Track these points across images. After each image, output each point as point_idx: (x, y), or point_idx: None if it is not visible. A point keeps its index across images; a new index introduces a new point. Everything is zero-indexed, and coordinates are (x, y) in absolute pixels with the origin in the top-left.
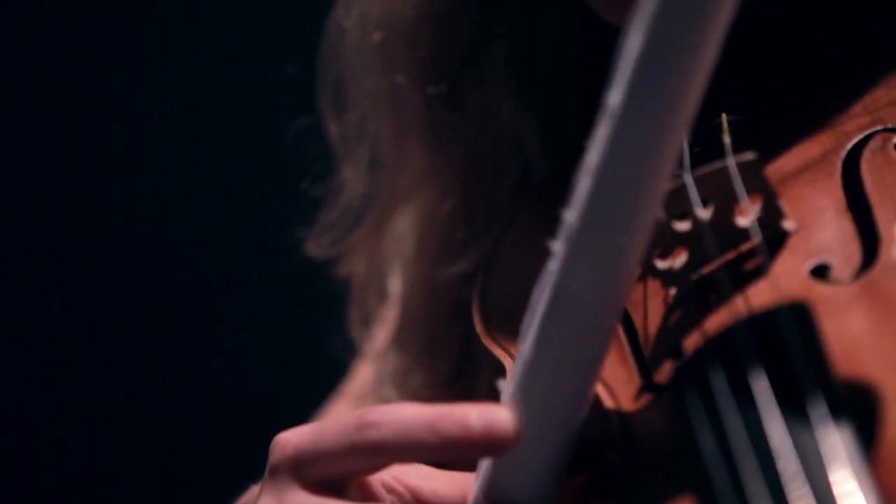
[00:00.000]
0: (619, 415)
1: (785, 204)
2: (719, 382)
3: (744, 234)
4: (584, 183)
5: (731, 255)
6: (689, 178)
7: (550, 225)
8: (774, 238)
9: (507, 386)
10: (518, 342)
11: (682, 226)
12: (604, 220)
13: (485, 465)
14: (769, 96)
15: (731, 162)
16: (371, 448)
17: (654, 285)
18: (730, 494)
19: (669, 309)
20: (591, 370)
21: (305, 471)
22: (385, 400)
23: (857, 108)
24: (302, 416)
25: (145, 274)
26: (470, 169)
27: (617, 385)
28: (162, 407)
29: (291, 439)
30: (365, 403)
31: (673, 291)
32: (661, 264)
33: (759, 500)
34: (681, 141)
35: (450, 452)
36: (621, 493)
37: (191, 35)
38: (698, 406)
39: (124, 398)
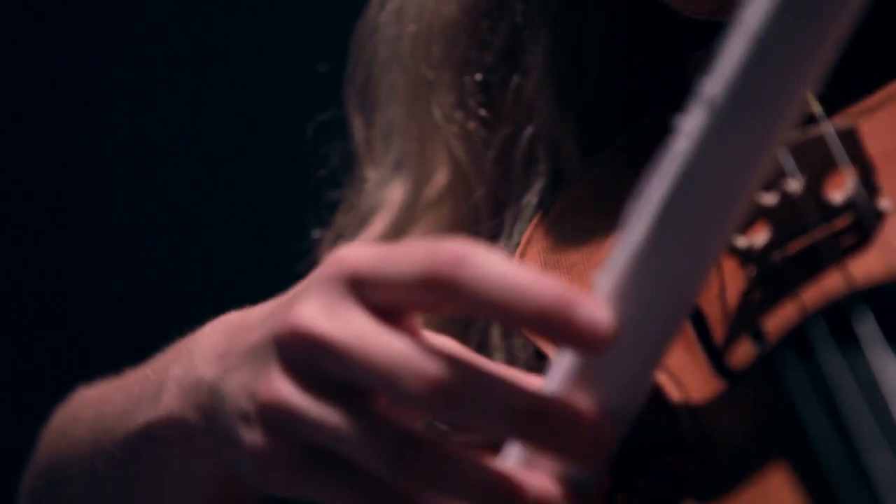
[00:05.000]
0: (689, 406)
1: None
2: (830, 360)
3: (836, 209)
4: (736, 47)
5: (821, 232)
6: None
7: (585, 214)
8: (870, 215)
9: (605, 279)
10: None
11: (769, 198)
12: (760, 91)
13: (566, 359)
14: (859, 70)
15: (828, 129)
16: (448, 288)
17: (730, 266)
18: (845, 471)
19: (749, 289)
20: (711, 258)
21: (366, 292)
22: None
23: None
24: None
25: (155, 275)
26: (501, 169)
27: (683, 374)
28: None
29: (356, 257)
30: None
31: (752, 271)
32: (740, 242)
33: (887, 480)
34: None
35: (531, 328)
36: (699, 485)
37: (213, 32)
38: (804, 385)
39: None
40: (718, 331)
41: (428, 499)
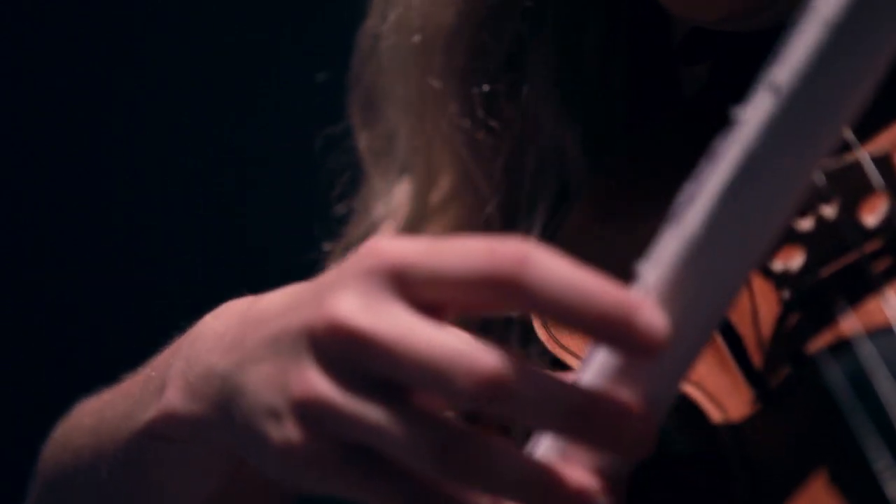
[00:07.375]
0: (730, 426)
1: None
2: (881, 379)
3: (869, 233)
4: (808, 35)
5: (853, 256)
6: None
7: (599, 229)
8: None
9: (652, 271)
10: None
11: (805, 224)
12: (831, 79)
13: (604, 355)
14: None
15: (864, 156)
16: (510, 289)
17: (763, 289)
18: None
19: (784, 313)
20: (767, 248)
21: (411, 287)
22: None
23: None
24: None
25: (159, 288)
26: (509, 179)
27: (722, 396)
28: None
29: (399, 250)
30: None
31: (787, 294)
32: (776, 265)
33: None
34: None
35: (587, 330)
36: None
37: (217, 43)
38: (853, 400)
39: None
40: (755, 355)
41: (470, 496)
